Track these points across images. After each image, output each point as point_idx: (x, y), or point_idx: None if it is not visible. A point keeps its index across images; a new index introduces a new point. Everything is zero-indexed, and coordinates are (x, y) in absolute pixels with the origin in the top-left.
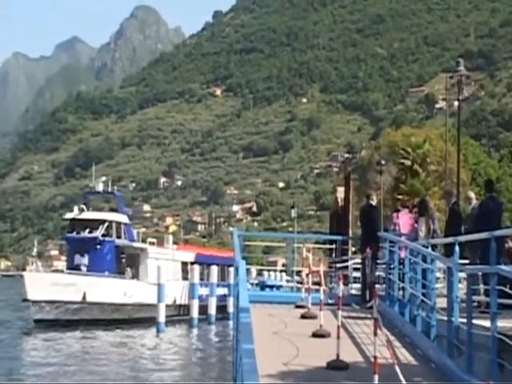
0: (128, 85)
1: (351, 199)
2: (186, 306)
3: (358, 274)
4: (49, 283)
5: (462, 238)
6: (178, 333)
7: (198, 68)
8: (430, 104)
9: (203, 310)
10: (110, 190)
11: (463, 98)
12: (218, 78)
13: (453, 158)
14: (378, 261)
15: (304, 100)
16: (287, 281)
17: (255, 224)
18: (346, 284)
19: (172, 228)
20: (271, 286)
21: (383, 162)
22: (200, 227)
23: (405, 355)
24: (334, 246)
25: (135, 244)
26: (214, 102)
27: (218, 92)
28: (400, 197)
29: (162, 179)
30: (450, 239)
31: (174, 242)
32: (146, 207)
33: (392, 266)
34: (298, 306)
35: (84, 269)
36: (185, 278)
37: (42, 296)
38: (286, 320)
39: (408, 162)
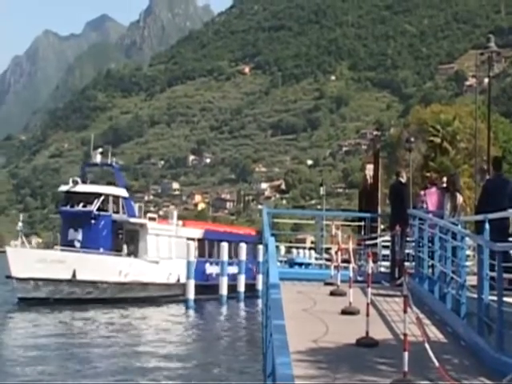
0: (157, 62)
1: (380, 177)
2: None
3: (386, 252)
4: (34, 260)
5: (492, 216)
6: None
7: (227, 46)
8: (459, 81)
9: (213, 289)
10: (109, 162)
11: (493, 74)
12: (246, 56)
13: (483, 135)
14: (408, 238)
15: (333, 77)
16: (316, 258)
17: (283, 202)
18: (375, 261)
19: (201, 206)
20: (300, 264)
21: (412, 140)
22: (228, 205)
23: (434, 333)
24: (362, 224)
25: (132, 219)
26: (243, 80)
27: (247, 70)
28: (429, 174)
29: (191, 157)
30: (479, 216)
31: (203, 219)
32: (175, 185)
33: (421, 244)
34: (327, 284)
35: (78, 245)
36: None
37: (26, 273)
38: (315, 297)
39: (437, 140)
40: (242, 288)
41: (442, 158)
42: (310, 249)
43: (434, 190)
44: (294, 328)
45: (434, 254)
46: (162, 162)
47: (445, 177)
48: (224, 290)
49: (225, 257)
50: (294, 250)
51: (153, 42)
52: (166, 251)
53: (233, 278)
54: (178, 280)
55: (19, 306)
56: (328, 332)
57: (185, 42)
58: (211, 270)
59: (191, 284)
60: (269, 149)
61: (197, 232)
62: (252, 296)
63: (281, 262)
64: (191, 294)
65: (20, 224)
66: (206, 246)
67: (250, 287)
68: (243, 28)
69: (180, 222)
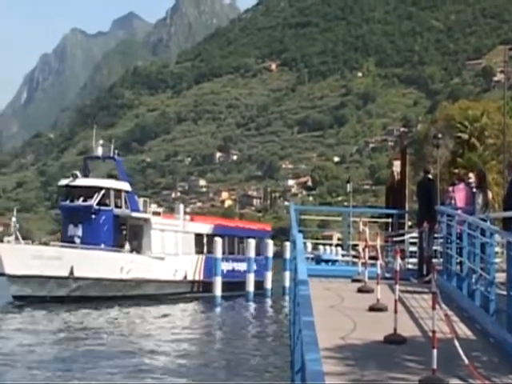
0: (184, 60)
1: (407, 173)
2: (202, 283)
3: (414, 249)
4: (30, 256)
5: None
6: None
7: (253, 42)
8: (487, 77)
9: (224, 286)
10: (111, 154)
11: None
12: (273, 53)
13: (511, 131)
14: (436, 235)
15: (359, 74)
16: (343, 255)
17: (310, 198)
18: (402, 258)
19: (228, 202)
20: (327, 261)
21: (440, 136)
22: (255, 202)
23: (463, 330)
24: (390, 220)
25: (135, 214)
26: (269, 77)
27: (273, 66)
28: (457, 171)
29: (218, 154)
30: (509, 213)
31: (229, 216)
32: (202, 182)
33: (450, 240)
34: (354, 280)
35: (78, 240)
36: (199, 251)
37: (21, 270)
38: (343, 294)
39: (465, 136)
40: (269, 285)
41: (470, 154)
42: (337, 245)
43: (462, 186)
44: (322, 324)
45: (463, 250)
46: (189, 159)
47: (470, 173)
48: (251, 287)
49: (251, 253)
50: (321, 247)
51: (179, 40)
52: (172, 247)
53: (244, 274)
54: (185, 277)
55: (14, 305)
56: (356, 329)
57: (211, 39)
58: (222, 266)
59: (218, 281)
60: (295, 145)
61: (205, 227)
62: (260, 294)
63: (307, 258)
64: (218, 291)
65: (14, 219)
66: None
67: (259, 285)
68: (269, 25)
69: (187, 217)
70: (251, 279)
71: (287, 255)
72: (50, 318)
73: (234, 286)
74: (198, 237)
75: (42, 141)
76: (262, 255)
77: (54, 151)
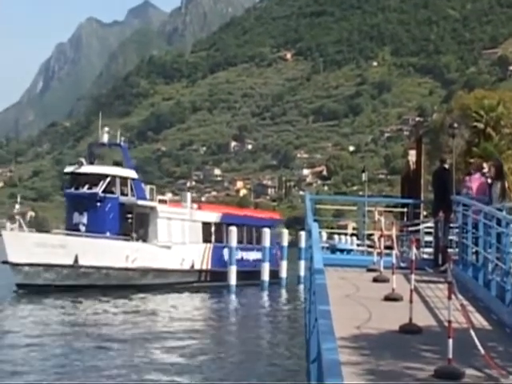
0: (199, 49)
1: (423, 163)
2: (209, 272)
3: (429, 238)
4: (33, 244)
5: None
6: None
7: (269, 32)
8: (503, 66)
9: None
10: (117, 141)
11: None
12: (288, 42)
13: None
14: (451, 224)
15: (374, 63)
16: (358, 244)
17: (325, 188)
18: (418, 248)
19: (242, 192)
20: (342, 250)
21: (455, 125)
22: (270, 191)
23: (479, 320)
24: (405, 210)
25: (141, 202)
26: (285, 66)
27: (288, 56)
28: (472, 160)
29: (233, 143)
30: None
31: (244, 205)
32: (217, 171)
33: (465, 230)
34: (369, 270)
35: (83, 228)
36: (207, 240)
37: (24, 258)
38: (358, 283)
39: (481, 125)
40: (266, 276)
41: (486, 143)
42: (352, 235)
43: (477, 175)
44: (337, 314)
45: (478, 240)
46: (204, 148)
47: (485, 163)
48: (266, 276)
49: (267, 242)
50: (336, 237)
51: (194, 29)
52: (179, 236)
53: (254, 264)
54: (193, 266)
55: (17, 294)
56: (371, 318)
57: (226, 28)
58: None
59: (233, 270)
60: (310, 135)
61: (213, 216)
62: (274, 283)
63: (322, 248)
64: (233, 281)
65: (17, 206)
66: (224, 231)
67: (272, 274)
68: (285, 14)
69: (195, 206)
70: (266, 268)
71: (302, 244)
72: (55, 307)
73: (244, 275)
74: (206, 225)
75: (57, 130)
76: (272, 244)
77: (69, 140)
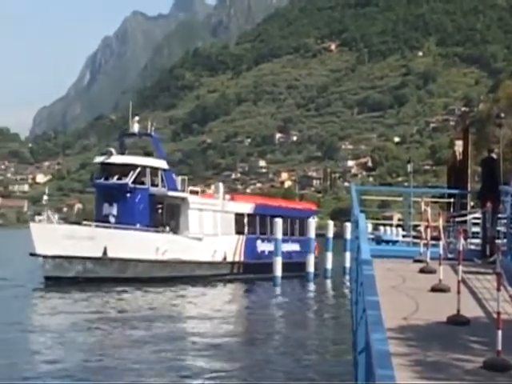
0: (243, 41)
1: (469, 153)
2: (242, 264)
3: (476, 229)
4: (61, 236)
5: None
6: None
7: (313, 23)
8: None
9: (265, 268)
10: (148, 131)
11: None
12: (332, 33)
13: None
14: (499, 215)
15: (420, 53)
16: (403, 236)
17: (370, 179)
18: (465, 238)
19: (287, 183)
20: (387, 241)
21: (502, 115)
22: (315, 182)
23: None
24: (452, 201)
25: (171, 193)
26: (329, 57)
27: (333, 47)
28: None
29: (278, 135)
30: None
31: (290, 197)
32: (262, 163)
33: None
34: (416, 261)
35: (113, 220)
36: (240, 231)
37: (53, 250)
38: (405, 274)
39: None
40: (311, 268)
41: None
42: (397, 226)
43: None
44: (384, 305)
45: None
46: (249, 140)
47: None
48: (311, 268)
49: (312, 233)
50: (381, 228)
51: (239, 21)
52: (211, 227)
53: (288, 256)
54: (225, 258)
55: (45, 286)
56: (418, 309)
57: (271, 19)
58: (263, 247)
59: (278, 262)
60: (355, 126)
61: (246, 207)
62: (303, 276)
63: (368, 239)
64: (278, 272)
65: (45, 197)
66: (258, 222)
67: (302, 267)
68: (329, 5)
69: (227, 196)
70: (311, 260)
71: (348, 236)
72: (83, 300)
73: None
74: (239, 216)
75: (104, 122)
76: (307, 235)
77: (115, 133)
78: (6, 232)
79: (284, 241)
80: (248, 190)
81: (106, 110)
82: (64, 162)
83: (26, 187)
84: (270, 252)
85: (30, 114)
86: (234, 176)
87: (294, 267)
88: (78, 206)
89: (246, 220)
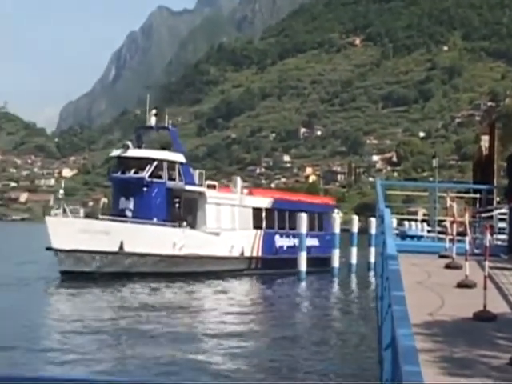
0: (268, 36)
1: (496, 148)
2: (260, 259)
3: (503, 225)
4: (77, 230)
5: None
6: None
7: (338, 17)
8: None
9: (283, 263)
10: (165, 125)
11: None
12: (357, 28)
13: None
14: None
15: (445, 48)
16: (428, 231)
17: (395, 174)
18: (491, 234)
19: (312, 178)
20: (412, 236)
21: None
22: (340, 177)
23: None
24: (477, 196)
25: (188, 187)
26: (354, 52)
27: (358, 41)
28: None
29: (302, 129)
30: None
31: (314, 192)
32: (286, 157)
33: None
34: (441, 256)
35: (129, 214)
36: (258, 226)
37: (69, 245)
38: (430, 270)
39: None
40: (336, 263)
41: None
42: (422, 221)
43: None
44: (409, 300)
45: None
46: (274, 135)
47: None
48: (336, 263)
49: (337, 228)
50: (406, 223)
51: (264, 16)
52: (229, 222)
53: (307, 251)
54: (242, 253)
55: (61, 281)
56: (444, 305)
57: (296, 14)
58: (281, 242)
59: (303, 257)
60: (380, 121)
61: (265, 201)
62: (324, 271)
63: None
64: (303, 267)
65: (61, 191)
66: (276, 217)
67: (328, 262)
68: None
69: (245, 191)
70: (336, 254)
71: (372, 231)
72: (98, 294)
73: (295, 262)
74: (257, 211)
75: (128, 118)
76: (326, 230)
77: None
78: (31, 226)
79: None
80: (272, 185)
81: (131, 106)
82: (89, 157)
83: (52, 181)
84: (288, 247)
85: (56, 110)
86: (258, 171)
87: (313, 262)
88: (104, 200)
89: (263, 214)
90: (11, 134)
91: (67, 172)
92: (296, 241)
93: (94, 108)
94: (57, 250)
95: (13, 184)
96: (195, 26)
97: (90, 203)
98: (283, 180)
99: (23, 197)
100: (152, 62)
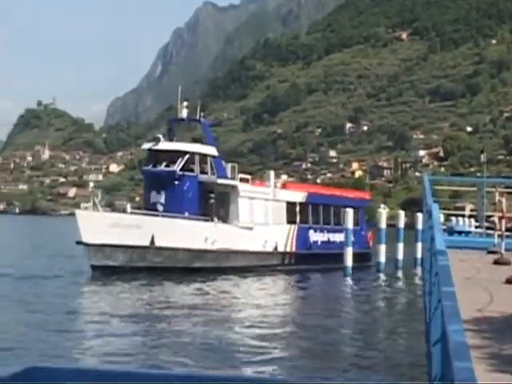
0: (314, 31)
1: None
2: (294, 254)
3: None
4: (108, 224)
5: None
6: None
7: (384, 12)
8: None
9: (318, 259)
10: (197, 117)
11: None
12: (403, 22)
13: None
14: None
15: (493, 41)
16: (476, 227)
17: (442, 169)
18: None
19: (358, 173)
20: (459, 232)
21: None
22: (386, 172)
23: None
24: None
25: (221, 180)
26: (400, 46)
27: (404, 36)
28: None
29: (348, 124)
30: None
31: (360, 187)
32: (332, 153)
33: None
34: (490, 252)
35: (161, 208)
36: (292, 221)
37: (99, 239)
38: (479, 265)
39: None
40: (382, 258)
41: None
42: (470, 217)
43: None
44: (458, 296)
45: None
46: (320, 130)
47: None
48: (382, 258)
49: (383, 224)
50: (453, 218)
51: (309, 10)
52: (262, 216)
53: (340, 246)
54: (276, 248)
55: (92, 275)
56: (493, 301)
57: (341, 9)
58: (316, 237)
59: (349, 252)
60: (427, 115)
61: (298, 195)
62: (364, 267)
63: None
64: (349, 262)
65: (91, 184)
66: (310, 211)
67: (362, 257)
68: None
69: (279, 184)
70: (382, 249)
71: (419, 226)
72: (130, 289)
73: (329, 258)
74: (290, 205)
75: (174, 113)
76: (361, 226)
77: (184, 123)
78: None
79: (337, 231)
80: (318, 180)
81: (177, 101)
82: (136, 152)
83: (100, 177)
84: (322, 242)
85: (103, 105)
86: (304, 166)
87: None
88: None
89: (297, 209)
90: (60, 129)
91: (114, 167)
92: (330, 236)
93: (140, 104)
94: (87, 245)
95: (61, 179)
96: (241, 21)
97: (137, 198)
98: (329, 175)
99: (71, 192)
100: (198, 58)
